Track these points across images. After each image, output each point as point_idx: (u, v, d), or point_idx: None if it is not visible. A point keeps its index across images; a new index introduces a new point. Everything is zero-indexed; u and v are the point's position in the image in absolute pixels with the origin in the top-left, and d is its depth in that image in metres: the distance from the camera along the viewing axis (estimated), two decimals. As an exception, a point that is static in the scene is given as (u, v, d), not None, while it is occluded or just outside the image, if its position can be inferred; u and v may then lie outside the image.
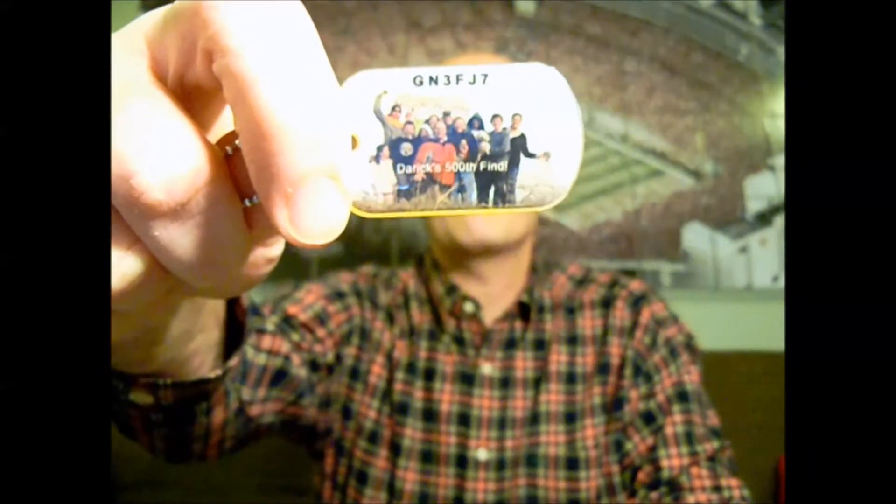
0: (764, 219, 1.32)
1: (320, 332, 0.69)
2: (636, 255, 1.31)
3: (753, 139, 1.34)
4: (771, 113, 1.35)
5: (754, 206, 1.33)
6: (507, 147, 0.19)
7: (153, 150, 0.16)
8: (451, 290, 0.74)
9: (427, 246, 0.83)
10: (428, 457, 0.69)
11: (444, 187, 0.19)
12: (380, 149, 0.19)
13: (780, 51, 1.36)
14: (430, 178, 0.19)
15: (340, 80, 0.18)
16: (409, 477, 0.68)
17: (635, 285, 0.77)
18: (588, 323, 0.74)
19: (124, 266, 0.18)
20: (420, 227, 1.28)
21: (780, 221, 1.32)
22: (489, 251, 0.72)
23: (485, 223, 0.69)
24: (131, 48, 0.18)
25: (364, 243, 1.28)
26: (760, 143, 1.34)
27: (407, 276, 0.79)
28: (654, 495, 0.64)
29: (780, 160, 1.33)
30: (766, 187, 1.33)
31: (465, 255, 0.73)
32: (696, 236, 1.32)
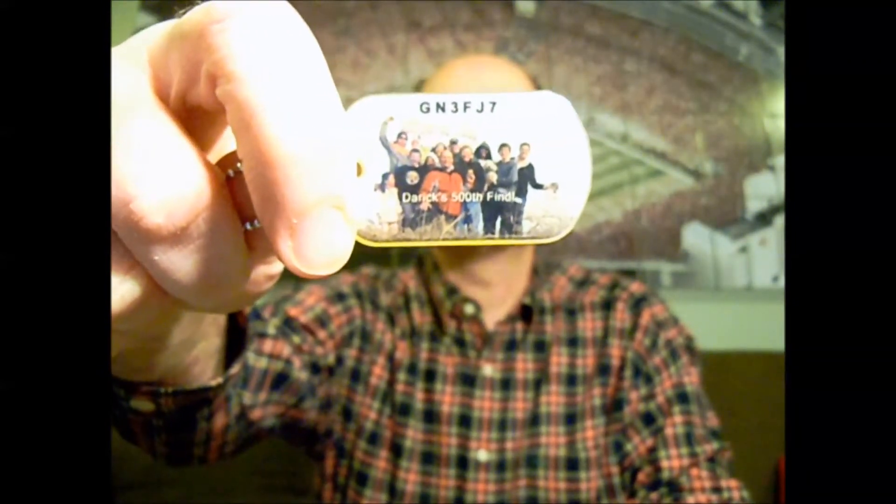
0: (764, 219, 1.32)
1: (321, 334, 0.69)
2: (636, 255, 1.31)
3: (753, 139, 1.34)
4: (771, 113, 1.35)
5: (754, 206, 1.33)
6: (515, 177, 0.19)
7: (153, 174, 0.16)
8: (452, 291, 0.74)
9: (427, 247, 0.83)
10: (429, 458, 0.69)
11: (450, 217, 0.19)
12: (385, 177, 0.18)
13: (780, 51, 1.36)
14: (436, 208, 0.19)
15: (340, 81, 0.17)
16: (411, 478, 0.68)
17: (635, 287, 0.77)
18: (588, 325, 0.74)
19: (123, 289, 0.17)
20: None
21: (780, 221, 1.32)
22: (491, 251, 0.72)
23: None
24: (134, 64, 0.17)
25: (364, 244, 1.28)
26: (760, 143, 1.34)
27: (407, 278, 0.79)
28: (653, 496, 0.64)
29: (780, 160, 1.33)
30: (766, 187, 1.33)
31: (466, 257, 0.73)
32: (696, 236, 1.32)
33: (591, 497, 0.67)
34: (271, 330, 0.58)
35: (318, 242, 0.16)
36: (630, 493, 0.67)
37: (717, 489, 0.63)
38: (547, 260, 0.82)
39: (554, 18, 1.37)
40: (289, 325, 0.67)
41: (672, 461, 0.65)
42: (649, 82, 1.36)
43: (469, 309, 0.73)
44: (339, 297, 0.74)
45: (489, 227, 0.19)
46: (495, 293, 0.75)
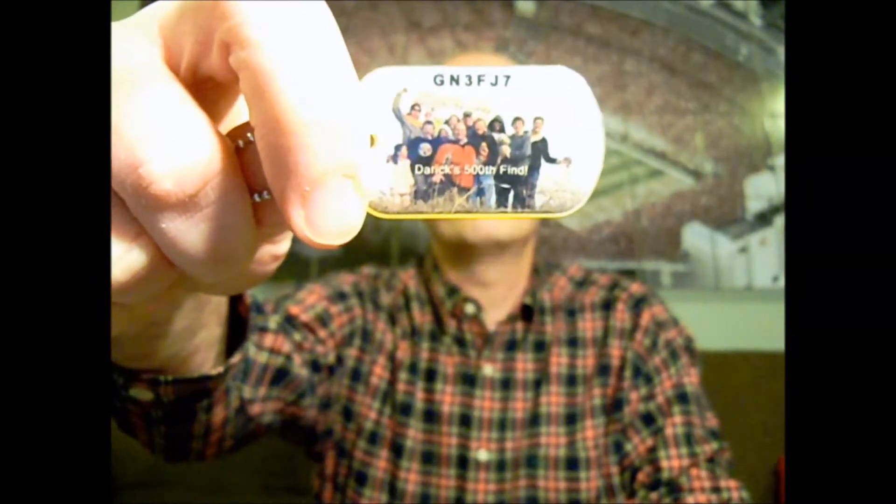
0: (764, 219, 1.32)
1: (322, 333, 0.69)
2: (636, 255, 1.31)
3: (753, 139, 1.34)
4: (771, 113, 1.35)
5: (754, 206, 1.33)
6: (528, 151, 0.19)
7: (164, 140, 0.16)
8: (452, 291, 0.74)
9: (427, 246, 0.83)
10: (429, 458, 0.69)
11: (462, 190, 0.19)
12: (398, 148, 0.18)
13: (780, 51, 1.36)
14: (449, 181, 0.19)
15: None
16: (411, 478, 0.68)
17: (636, 287, 0.77)
18: (588, 325, 0.74)
19: (129, 259, 0.17)
20: (420, 227, 1.27)
21: (780, 221, 1.32)
22: (495, 248, 0.72)
23: (492, 220, 0.69)
24: (145, 36, 0.17)
25: (363, 243, 1.28)
26: (760, 143, 1.34)
27: (407, 277, 0.79)
28: (653, 496, 0.64)
29: (780, 160, 1.33)
30: (766, 187, 1.33)
31: (469, 254, 0.73)
32: (696, 236, 1.32)
33: (591, 497, 0.67)
34: (272, 325, 0.58)
35: (329, 211, 0.16)
36: (630, 493, 0.67)
37: (716, 489, 0.63)
38: (547, 260, 0.82)
39: (554, 18, 1.37)
40: (289, 322, 0.67)
41: (672, 461, 0.65)
42: (649, 82, 1.35)
43: (470, 309, 0.73)
44: (340, 296, 0.74)
45: (502, 201, 0.19)
46: (496, 293, 0.75)
